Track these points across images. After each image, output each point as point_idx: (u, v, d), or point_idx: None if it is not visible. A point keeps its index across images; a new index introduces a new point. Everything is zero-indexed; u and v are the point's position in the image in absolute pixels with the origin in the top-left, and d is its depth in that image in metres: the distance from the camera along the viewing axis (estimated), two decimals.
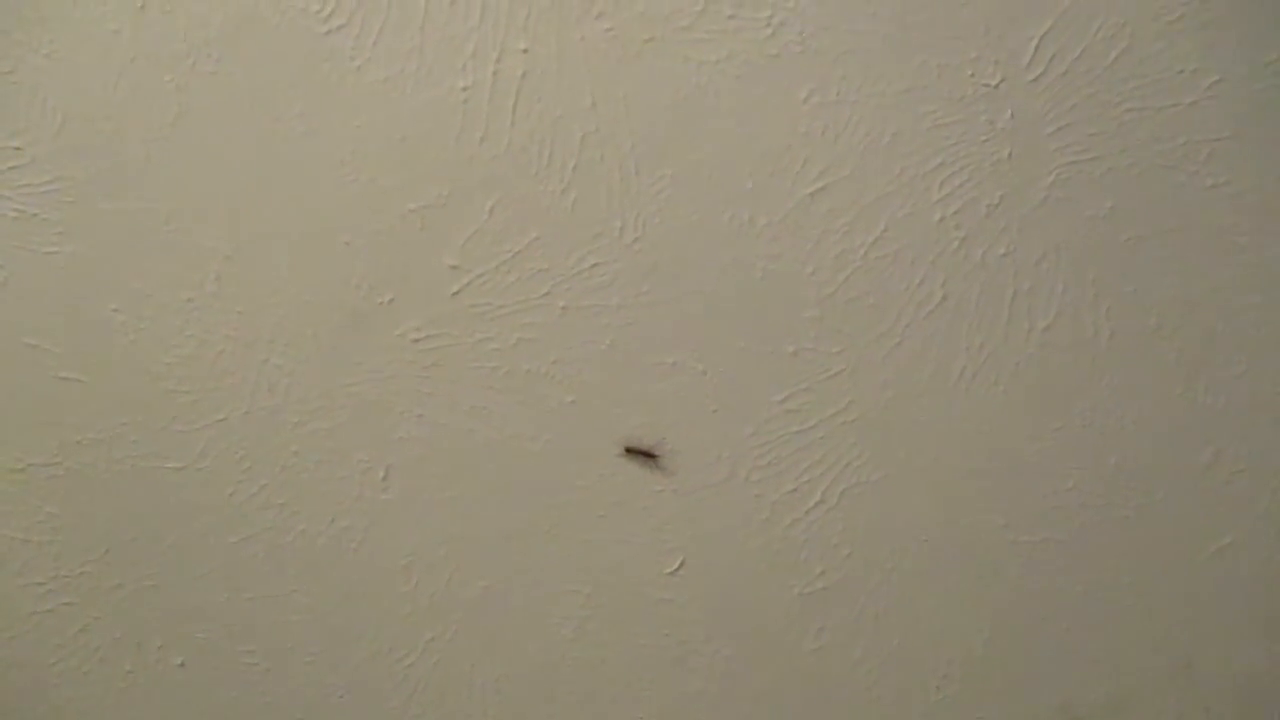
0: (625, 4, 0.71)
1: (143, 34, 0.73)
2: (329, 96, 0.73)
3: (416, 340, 0.77)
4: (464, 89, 0.72)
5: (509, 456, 0.79)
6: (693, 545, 0.81)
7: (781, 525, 0.81)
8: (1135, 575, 0.82)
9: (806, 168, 0.73)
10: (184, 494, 0.81)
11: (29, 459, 0.80)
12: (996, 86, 0.72)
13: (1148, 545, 0.81)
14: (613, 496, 0.80)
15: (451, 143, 0.73)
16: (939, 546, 0.81)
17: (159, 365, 0.78)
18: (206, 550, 0.82)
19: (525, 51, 0.72)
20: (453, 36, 0.72)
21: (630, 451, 0.79)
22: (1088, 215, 0.74)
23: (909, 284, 0.75)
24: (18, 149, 0.74)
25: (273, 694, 0.86)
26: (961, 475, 0.79)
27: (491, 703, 0.86)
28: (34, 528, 0.81)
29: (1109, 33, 0.71)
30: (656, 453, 0.79)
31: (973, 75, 0.72)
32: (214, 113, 0.74)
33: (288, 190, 0.75)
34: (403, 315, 0.76)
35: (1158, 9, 0.71)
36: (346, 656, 0.85)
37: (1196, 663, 0.86)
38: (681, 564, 0.82)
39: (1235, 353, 0.77)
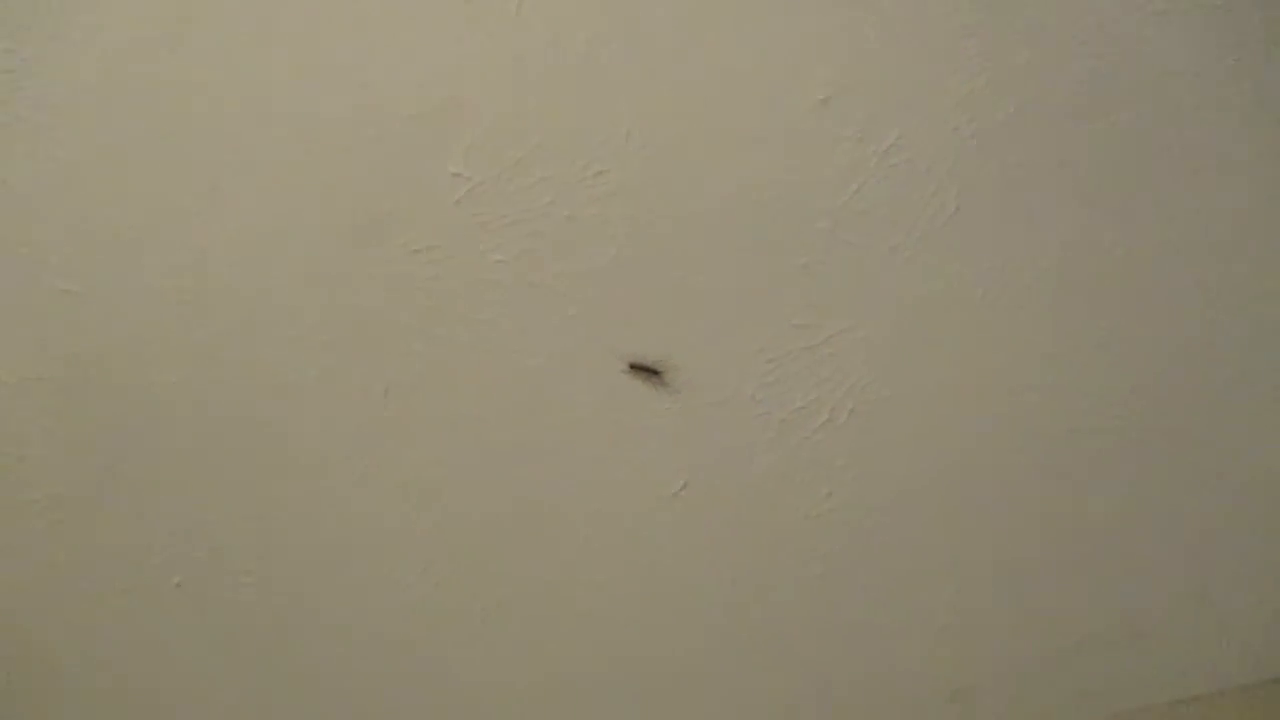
0: None
1: None
2: None
3: (417, 251, 0.75)
4: None
5: (510, 373, 0.78)
6: (697, 466, 0.80)
7: (789, 445, 0.79)
8: (1160, 502, 0.80)
9: (818, 72, 0.71)
10: (180, 409, 0.79)
11: (24, 372, 0.79)
12: None
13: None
14: (615, 415, 0.79)
15: (454, 45, 0.71)
16: (951, 468, 0.79)
17: (157, 277, 0.76)
18: (202, 470, 0.81)
19: None
20: None
21: (634, 368, 0.77)
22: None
23: (924, 194, 0.73)
24: (9, 50, 0.72)
25: (268, 616, 0.85)
26: (975, 393, 0.78)
27: (493, 628, 0.85)
28: (29, 443, 0.80)
29: None
30: (661, 369, 0.77)
31: None
32: (214, 18, 0.72)
33: (286, 96, 0.73)
34: (402, 226, 0.75)
35: None
36: (342, 582, 0.84)
37: (1210, 591, 0.84)
38: (685, 485, 0.81)
39: None
